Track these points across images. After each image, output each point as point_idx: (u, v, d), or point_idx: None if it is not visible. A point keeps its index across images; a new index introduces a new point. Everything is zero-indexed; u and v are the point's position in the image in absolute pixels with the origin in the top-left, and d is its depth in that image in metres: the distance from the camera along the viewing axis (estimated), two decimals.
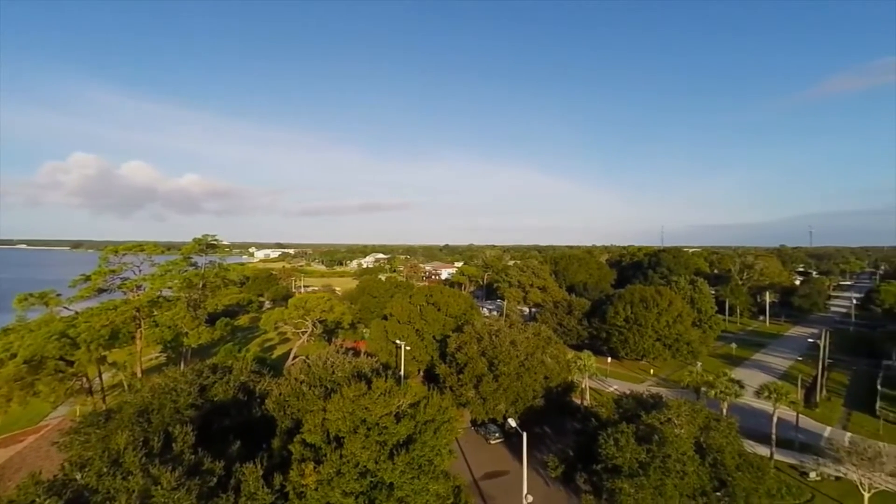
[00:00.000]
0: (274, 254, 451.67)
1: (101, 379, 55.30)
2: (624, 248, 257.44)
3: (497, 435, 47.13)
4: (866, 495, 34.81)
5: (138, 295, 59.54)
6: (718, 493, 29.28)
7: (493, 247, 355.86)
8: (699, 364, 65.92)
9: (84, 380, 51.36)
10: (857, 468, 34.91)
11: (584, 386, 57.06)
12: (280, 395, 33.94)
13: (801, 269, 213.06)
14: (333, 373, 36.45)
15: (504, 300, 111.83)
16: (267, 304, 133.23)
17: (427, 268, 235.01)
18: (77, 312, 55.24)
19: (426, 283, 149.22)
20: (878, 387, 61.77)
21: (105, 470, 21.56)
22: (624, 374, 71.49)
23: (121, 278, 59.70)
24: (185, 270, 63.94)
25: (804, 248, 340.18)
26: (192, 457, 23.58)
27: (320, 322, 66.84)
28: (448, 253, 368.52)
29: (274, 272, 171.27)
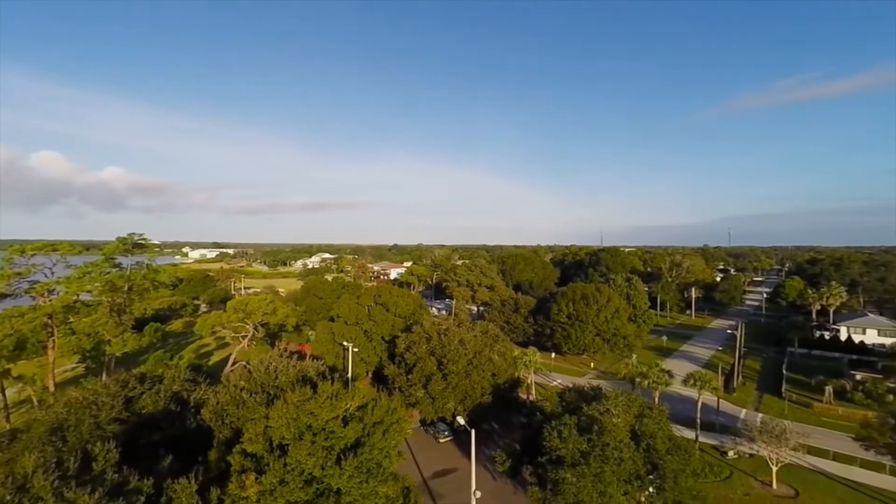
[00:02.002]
0: (211, 254, 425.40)
1: (3, 395, 49.20)
2: (567, 247, 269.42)
3: (446, 433, 47.49)
4: (774, 469, 38.94)
5: (50, 300, 53.66)
6: (651, 476, 31.44)
7: (443, 246, 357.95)
8: (634, 356, 70.35)
9: None
10: (767, 445, 38.95)
11: (529, 381, 58.99)
12: (217, 403, 32.00)
13: (722, 267, 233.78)
14: (276, 378, 34.93)
15: (453, 299, 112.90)
16: (203, 308, 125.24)
17: (376, 268, 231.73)
18: None
19: (375, 284, 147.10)
20: (784, 371, 69.33)
21: (9, 497, 19.19)
22: (567, 369, 74.71)
23: (29, 282, 53.44)
24: (108, 272, 58.43)
25: (724, 248, 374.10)
26: (116, 476, 21.61)
27: (262, 325, 63.80)
28: (397, 252, 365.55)
29: (211, 273, 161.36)
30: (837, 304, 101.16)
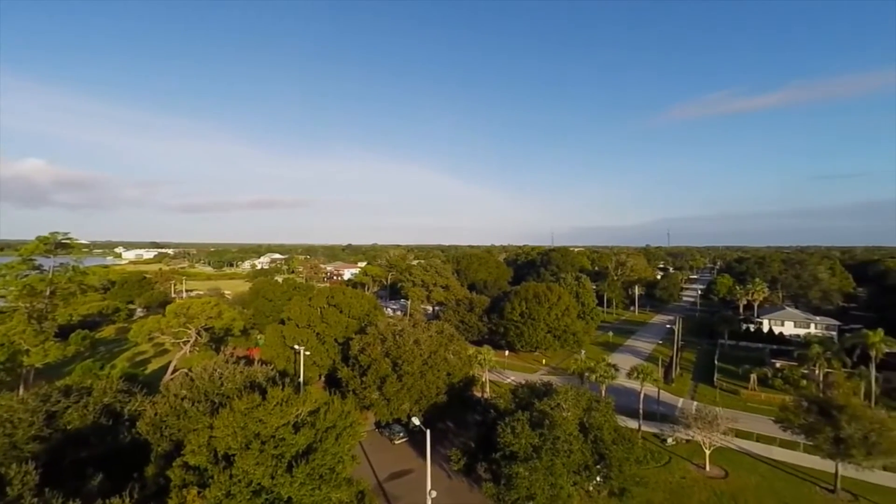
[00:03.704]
0: (148, 254, 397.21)
1: None
2: (520, 247, 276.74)
3: (401, 434, 47.24)
4: (707, 452, 42.06)
5: None
6: (598, 466, 32.98)
7: (398, 246, 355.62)
8: (583, 352, 73.36)
9: None
10: (701, 431, 42.01)
11: (484, 379, 59.97)
12: (156, 415, 29.99)
13: (662, 266, 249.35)
14: (222, 385, 33.22)
15: (408, 299, 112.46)
16: (139, 312, 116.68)
17: (328, 268, 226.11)
18: None
19: (327, 284, 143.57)
20: (716, 362, 74.97)
21: None
22: (520, 366, 76.58)
23: None
24: (26, 275, 53.05)
25: (664, 248, 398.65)
26: (35, 500, 19.71)
27: (206, 330, 60.44)
28: (351, 252, 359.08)
29: (148, 275, 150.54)
30: (761, 299, 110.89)
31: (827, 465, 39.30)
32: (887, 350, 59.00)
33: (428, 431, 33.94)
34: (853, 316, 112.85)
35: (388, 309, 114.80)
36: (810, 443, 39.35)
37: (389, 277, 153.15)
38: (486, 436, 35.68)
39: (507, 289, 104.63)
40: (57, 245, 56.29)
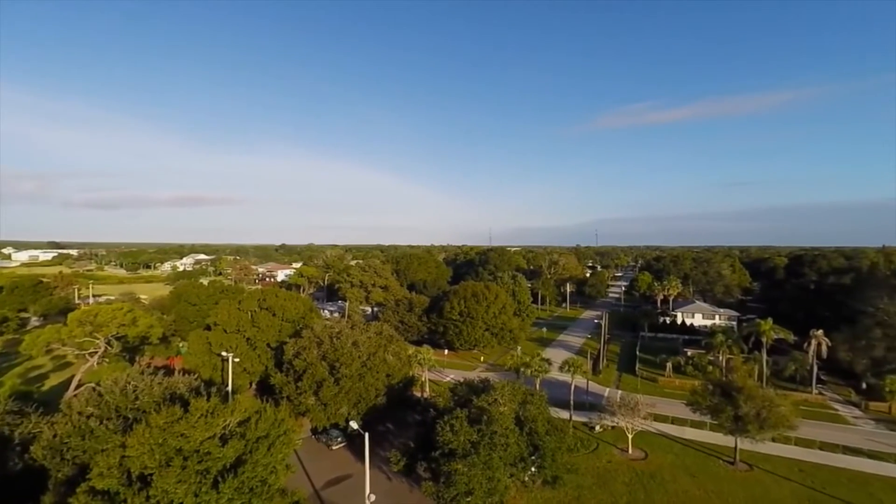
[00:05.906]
0: (46, 255, 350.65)
1: None
2: (459, 247, 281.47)
3: (339, 439, 46.03)
4: (630, 437, 45.53)
5: None
6: (533, 457, 34.42)
7: (335, 246, 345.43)
8: (519, 348, 76.07)
9: None
10: (624, 417, 45.38)
11: (424, 379, 60.16)
12: (55, 436, 26.74)
13: (591, 264, 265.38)
14: (136, 399, 30.33)
15: (346, 301, 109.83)
16: (34, 322, 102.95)
17: (261, 269, 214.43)
18: None
19: (259, 287, 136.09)
20: (637, 353, 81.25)
21: None
22: (459, 364, 77.76)
23: None
24: None
25: (593, 247, 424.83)
26: None
27: (118, 339, 54.77)
28: (285, 253, 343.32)
29: (45, 279, 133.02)
30: (675, 293, 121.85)
31: (728, 441, 44.17)
32: (776, 336, 67.57)
33: (367, 434, 33.45)
34: (749, 307, 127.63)
35: (326, 311, 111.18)
36: (715, 422, 44.04)
37: (326, 278, 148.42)
38: (425, 435, 35.85)
39: (447, 288, 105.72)
40: None
